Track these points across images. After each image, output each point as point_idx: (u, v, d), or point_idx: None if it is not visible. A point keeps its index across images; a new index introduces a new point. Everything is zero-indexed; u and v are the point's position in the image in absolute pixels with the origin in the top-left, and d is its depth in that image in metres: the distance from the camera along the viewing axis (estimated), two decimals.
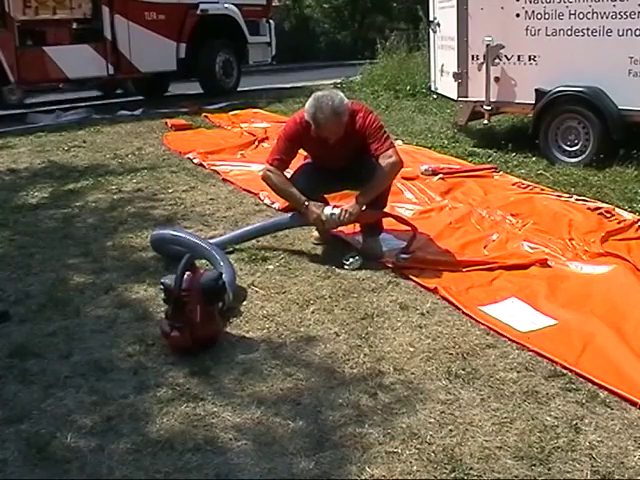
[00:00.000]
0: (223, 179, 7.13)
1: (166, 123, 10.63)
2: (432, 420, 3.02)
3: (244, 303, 4.19)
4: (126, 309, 4.19)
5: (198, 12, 13.46)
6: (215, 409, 3.15)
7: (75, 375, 3.47)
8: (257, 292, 4.33)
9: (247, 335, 3.81)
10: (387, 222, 5.27)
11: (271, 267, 4.71)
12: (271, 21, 15.23)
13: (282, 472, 2.73)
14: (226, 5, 13.97)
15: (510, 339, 3.67)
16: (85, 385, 3.37)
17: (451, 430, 2.95)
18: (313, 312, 4.05)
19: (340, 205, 4.87)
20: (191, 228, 5.54)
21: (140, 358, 3.61)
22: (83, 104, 12.83)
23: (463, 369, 3.40)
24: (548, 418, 3.01)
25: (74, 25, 12.32)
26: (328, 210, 4.69)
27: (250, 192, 6.52)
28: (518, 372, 3.37)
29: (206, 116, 11.30)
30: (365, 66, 15.81)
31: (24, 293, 4.45)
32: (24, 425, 3.07)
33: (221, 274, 3.88)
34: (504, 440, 2.87)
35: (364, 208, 4.71)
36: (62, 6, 12.10)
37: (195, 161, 7.90)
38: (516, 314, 3.94)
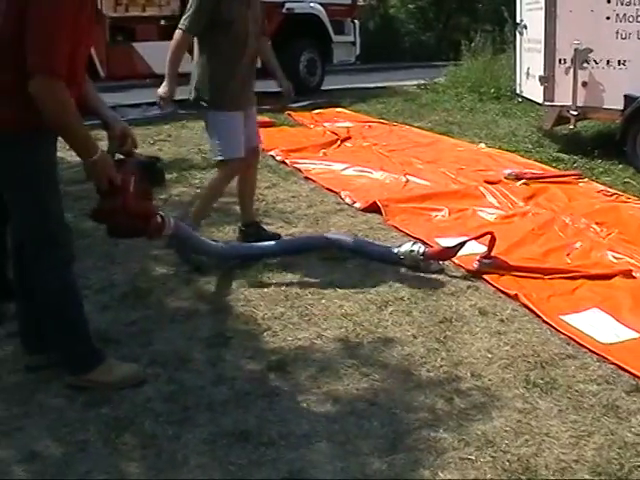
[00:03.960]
0: (305, 177, 7.16)
1: None
2: (508, 428, 2.98)
3: (322, 301, 4.21)
4: (206, 302, 4.26)
5: (284, 11, 13.54)
6: (290, 405, 3.17)
7: (154, 364, 3.54)
8: (336, 291, 4.34)
9: (325, 333, 3.82)
10: (469, 228, 5.25)
11: (350, 266, 4.70)
12: (356, 21, 15.22)
13: (355, 472, 2.74)
14: (311, 4, 14.02)
15: (591, 350, 3.59)
16: (164, 374, 3.44)
17: (527, 440, 2.90)
18: (391, 313, 4.03)
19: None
20: (272, 225, 5.59)
21: (218, 351, 3.66)
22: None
23: (541, 378, 3.35)
24: (628, 434, 2.93)
25: (162, 22, 12.56)
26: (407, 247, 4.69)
27: (331, 191, 6.53)
28: (598, 385, 3.30)
29: (289, 114, 11.36)
30: (449, 67, 15.68)
31: (108, 282, 4.56)
32: (104, 409, 3.16)
33: (158, 158, 3.81)
34: (581, 454, 2.81)
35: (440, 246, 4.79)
36: (151, 3, 12.37)
37: (277, 158, 7.95)
38: (598, 325, 3.85)
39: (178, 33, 4.81)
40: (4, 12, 2.97)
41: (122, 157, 3.42)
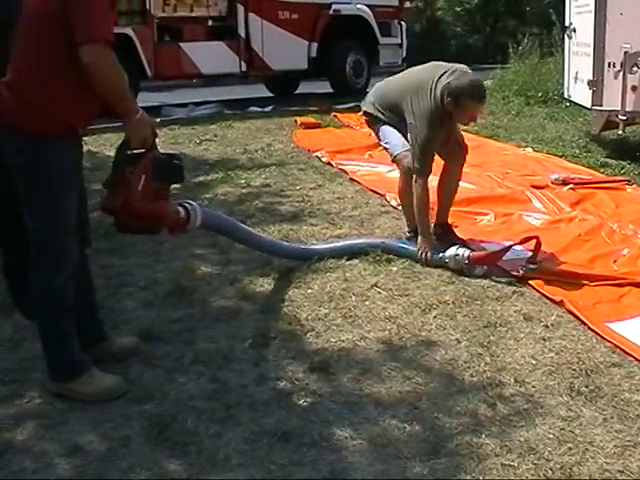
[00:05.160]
0: (350, 178, 7.17)
1: (296, 121, 10.77)
2: (551, 436, 2.94)
3: (366, 303, 4.20)
4: (250, 301, 4.28)
5: (331, 12, 13.60)
6: (333, 406, 3.17)
7: (197, 362, 3.56)
8: (380, 293, 4.33)
9: (368, 335, 3.81)
10: (514, 233, 5.21)
11: (395, 269, 4.69)
12: (403, 23, 15.20)
13: (396, 475, 2.72)
14: (358, 6, 14.05)
15: (637, 359, 3.52)
16: (207, 373, 3.46)
17: (570, 448, 2.86)
18: (435, 317, 4.01)
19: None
20: (317, 226, 5.62)
21: (261, 350, 3.67)
22: (215, 99, 13.17)
23: (586, 386, 3.30)
24: None
25: (210, 22, 12.69)
26: (452, 251, 4.66)
27: (377, 193, 6.53)
28: None
29: (335, 115, 11.39)
30: (496, 71, 15.55)
31: (152, 279, 4.61)
32: (147, 406, 3.19)
33: (177, 156, 3.63)
34: (626, 465, 2.76)
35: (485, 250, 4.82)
36: (199, 4, 12.51)
37: (323, 159, 7.98)
38: None
39: (419, 181, 4.73)
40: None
41: (141, 151, 3.29)
